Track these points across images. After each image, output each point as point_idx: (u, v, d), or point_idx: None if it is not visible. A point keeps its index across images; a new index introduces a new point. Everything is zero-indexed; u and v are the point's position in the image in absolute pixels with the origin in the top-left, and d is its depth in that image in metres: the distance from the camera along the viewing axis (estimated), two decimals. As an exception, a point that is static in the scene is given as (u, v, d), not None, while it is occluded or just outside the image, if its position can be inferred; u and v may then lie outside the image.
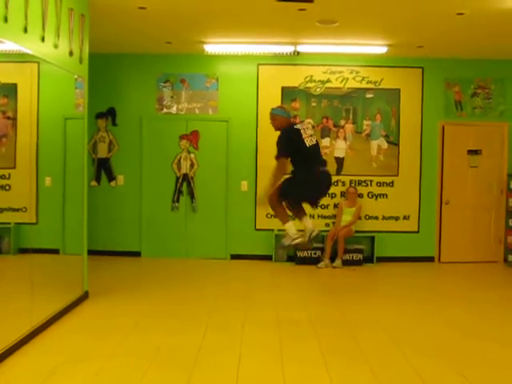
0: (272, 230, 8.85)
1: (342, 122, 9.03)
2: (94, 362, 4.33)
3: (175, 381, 4.01)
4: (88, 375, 4.05)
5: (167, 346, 4.75)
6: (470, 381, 4.06)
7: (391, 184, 9.09)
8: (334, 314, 5.88)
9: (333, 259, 8.57)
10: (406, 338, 5.10)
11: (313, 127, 8.95)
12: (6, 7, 4.25)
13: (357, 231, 8.86)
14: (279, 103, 8.95)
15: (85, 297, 6.23)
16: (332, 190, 8.83)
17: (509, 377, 4.19)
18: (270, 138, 8.84)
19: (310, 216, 6.61)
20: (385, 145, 9.07)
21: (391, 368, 4.37)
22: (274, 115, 5.77)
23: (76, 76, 6.04)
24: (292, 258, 8.81)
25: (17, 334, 4.55)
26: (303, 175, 5.53)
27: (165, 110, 9.09)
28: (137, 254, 9.10)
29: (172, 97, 9.08)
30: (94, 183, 9.01)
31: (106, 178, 9.14)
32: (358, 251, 8.77)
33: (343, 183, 9.02)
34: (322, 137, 8.97)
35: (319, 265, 8.47)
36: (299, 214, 5.75)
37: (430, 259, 9.13)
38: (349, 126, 9.04)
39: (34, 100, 5.24)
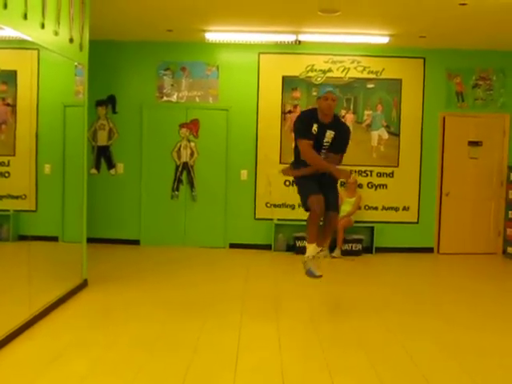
0: (271, 219, 8.85)
1: (343, 112, 9.00)
2: (92, 349, 4.34)
3: (174, 369, 4.02)
4: (87, 363, 4.06)
5: (166, 335, 4.77)
6: (467, 371, 4.07)
7: (391, 175, 9.08)
8: (333, 304, 5.90)
9: (332, 249, 8.58)
10: (404, 327, 5.12)
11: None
12: (6, -7, 4.22)
13: (356, 221, 8.86)
14: (280, 92, 8.97)
15: (84, 285, 6.23)
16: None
17: (508, 367, 4.20)
18: (270, 127, 8.93)
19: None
20: (385, 135, 9.05)
21: (387, 353, 4.39)
22: (336, 96, 5.27)
23: (76, 63, 6.01)
24: (291, 248, 8.82)
25: (15, 321, 4.56)
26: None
27: (165, 98, 9.06)
28: (136, 242, 9.11)
29: (172, 85, 9.04)
30: (93, 171, 9.00)
31: (106, 166, 9.13)
32: (357, 241, 8.78)
33: (343, 173, 9.00)
34: (323, 127, 8.94)
35: (318, 254, 8.47)
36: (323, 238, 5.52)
37: (430, 250, 9.15)
38: (349, 116, 9.02)
39: (34, 87, 5.21)
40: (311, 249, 5.41)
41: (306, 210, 5.32)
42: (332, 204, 5.34)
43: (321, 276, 5.32)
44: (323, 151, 5.32)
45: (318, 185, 5.26)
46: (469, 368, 4.14)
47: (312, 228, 5.32)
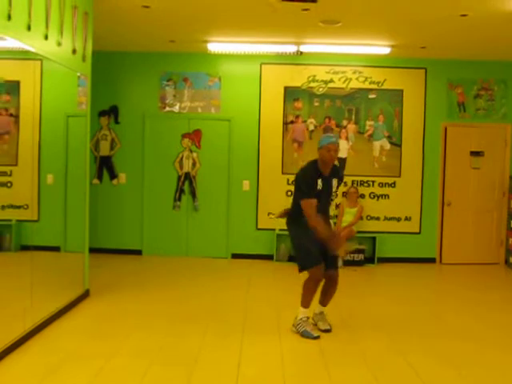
0: (273, 229, 8.85)
1: (345, 123, 9.02)
2: (94, 361, 4.33)
3: (176, 380, 4.01)
4: (89, 374, 4.05)
5: (168, 346, 4.75)
6: (468, 381, 4.05)
7: (393, 185, 9.08)
8: (336, 316, 5.87)
9: (334, 259, 8.56)
10: (406, 338, 5.10)
11: (315, 127, 9.00)
12: (10, 5, 4.24)
13: (358, 232, 8.85)
14: (282, 103, 8.99)
15: (86, 295, 6.23)
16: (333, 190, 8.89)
17: (509, 379, 4.18)
18: (272, 137, 8.95)
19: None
20: (387, 146, 9.06)
21: (390, 369, 4.37)
22: (337, 146, 5.16)
23: (79, 74, 6.04)
24: (293, 258, 8.79)
25: (18, 331, 4.56)
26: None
27: (167, 109, 9.09)
28: (138, 253, 9.11)
29: (174, 95, 9.07)
30: (95, 181, 9.02)
31: (108, 176, 9.14)
32: (359, 252, 8.77)
33: (345, 183, 9.01)
34: (325, 137, 8.96)
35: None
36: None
37: (432, 260, 9.13)
38: (351, 127, 9.03)
39: (37, 97, 5.23)
40: (305, 312, 5.20)
41: (301, 270, 5.16)
42: (334, 262, 5.22)
43: (318, 337, 5.05)
44: (332, 200, 5.36)
45: (318, 243, 5.04)
46: (472, 381, 4.12)
47: (309, 295, 5.15)
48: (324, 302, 5.37)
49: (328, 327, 5.26)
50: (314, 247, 5.04)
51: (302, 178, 5.13)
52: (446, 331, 5.40)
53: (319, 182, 5.05)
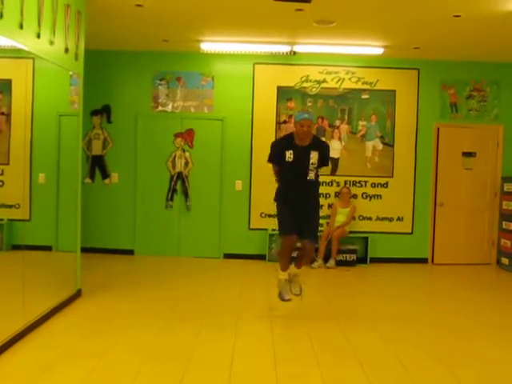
0: (266, 229, 8.84)
1: (338, 123, 9.04)
2: (86, 360, 4.31)
3: (169, 379, 4.00)
4: (81, 373, 4.03)
5: (160, 345, 4.74)
6: (462, 381, 4.06)
7: (385, 185, 9.10)
8: (327, 314, 5.88)
9: (326, 259, 8.58)
10: (399, 338, 5.11)
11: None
12: (2, 3, 4.22)
13: (351, 232, 8.86)
14: (275, 103, 8.99)
15: (78, 295, 6.20)
16: (326, 190, 8.95)
17: (500, 377, 4.20)
18: (265, 137, 8.94)
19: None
20: (380, 146, 9.08)
21: (381, 366, 4.38)
22: (312, 121, 5.59)
23: (71, 73, 6.02)
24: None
25: (9, 331, 4.53)
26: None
27: (160, 108, 9.07)
28: (130, 252, 9.08)
29: (167, 95, 9.06)
30: (87, 180, 8.99)
31: (100, 176, 9.11)
32: (351, 252, 8.78)
33: (338, 184, 9.03)
34: (317, 137, 8.98)
35: (313, 265, 8.46)
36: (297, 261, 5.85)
37: (424, 261, 9.15)
38: (344, 127, 9.05)
39: (29, 96, 5.21)
40: (283, 274, 5.72)
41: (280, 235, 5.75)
42: (307, 232, 5.59)
43: (289, 299, 5.65)
44: (310, 171, 5.52)
45: (294, 214, 5.54)
46: (463, 379, 4.13)
47: (282, 259, 5.73)
48: (297, 265, 5.78)
49: (298, 292, 5.72)
50: (286, 219, 5.56)
51: (271, 144, 5.84)
52: (437, 329, 5.41)
53: (288, 153, 5.48)
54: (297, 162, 5.49)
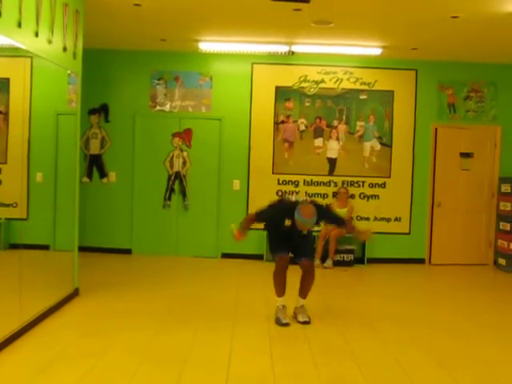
0: (263, 229, 8.81)
1: (336, 123, 9.04)
2: (84, 359, 4.30)
3: (166, 378, 4.00)
4: (79, 372, 4.03)
5: (157, 345, 4.74)
6: (459, 381, 4.07)
7: (383, 185, 9.10)
8: (324, 314, 5.88)
9: (324, 259, 8.58)
10: (396, 338, 5.11)
11: (306, 127, 9.01)
12: (0, 2, 4.21)
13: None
14: (273, 103, 8.99)
15: (75, 294, 6.19)
16: (324, 190, 8.95)
17: (498, 377, 4.20)
18: (263, 137, 8.94)
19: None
20: (377, 146, 9.08)
21: (378, 366, 4.38)
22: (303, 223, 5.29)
23: (69, 71, 6.01)
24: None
25: (6, 330, 4.52)
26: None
27: (158, 108, 9.07)
28: (127, 252, 9.07)
29: (165, 94, 9.05)
30: (85, 179, 8.98)
31: (98, 175, 9.11)
32: (349, 252, 8.78)
33: (335, 184, 9.03)
34: (315, 137, 8.99)
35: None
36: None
37: (421, 261, 9.16)
38: (342, 127, 9.05)
39: (27, 95, 5.21)
40: (278, 300, 5.53)
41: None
42: (303, 251, 5.52)
43: (288, 324, 5.37)
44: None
45: (286, 241, 5.47)
46: (460, 379, 4.14)
47: (276, 284, 5.51)
48: (302, 293, 5.59)
49: (307, 319, 5.47)
50: (279, 239, 5.51)
51: (274, 202, 5.83)
52: (435, 329, 5.41)
53: (287, 220, 5.31)
54: (295, 226, 5.30)
